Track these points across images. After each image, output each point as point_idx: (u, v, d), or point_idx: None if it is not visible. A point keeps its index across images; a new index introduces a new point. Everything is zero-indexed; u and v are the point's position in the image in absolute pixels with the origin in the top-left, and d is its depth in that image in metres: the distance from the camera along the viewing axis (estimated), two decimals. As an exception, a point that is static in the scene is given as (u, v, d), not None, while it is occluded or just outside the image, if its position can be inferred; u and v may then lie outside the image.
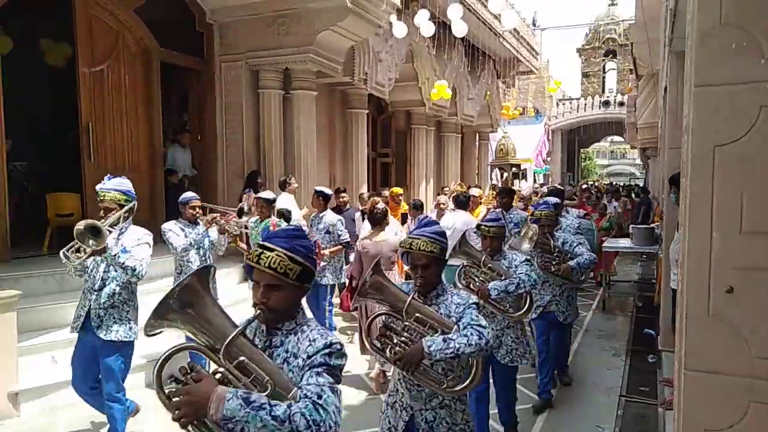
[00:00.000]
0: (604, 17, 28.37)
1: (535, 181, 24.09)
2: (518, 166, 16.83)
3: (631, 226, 8.69)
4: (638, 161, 36.01)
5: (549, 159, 27.94)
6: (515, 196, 7.47)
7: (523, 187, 13.59)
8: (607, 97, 26.48)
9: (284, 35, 7.53)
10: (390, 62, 9.99)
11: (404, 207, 8.17)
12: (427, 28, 8.42)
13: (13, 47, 7.54)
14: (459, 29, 8.40)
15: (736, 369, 1.92)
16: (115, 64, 6.93)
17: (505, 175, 16.43)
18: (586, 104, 27.11)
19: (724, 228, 1.94)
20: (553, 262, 4.44)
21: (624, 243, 8.28)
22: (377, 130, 12.89)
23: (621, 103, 23.95)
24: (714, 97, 1.95)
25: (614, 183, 26.85)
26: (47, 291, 5.23)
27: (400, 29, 8.16)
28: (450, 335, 2.28)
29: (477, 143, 17.27)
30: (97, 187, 3.56)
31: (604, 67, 29.18)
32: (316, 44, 7.46)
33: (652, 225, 8.13)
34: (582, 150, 36.28)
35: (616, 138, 34.34)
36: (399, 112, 13.01)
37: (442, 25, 9.99)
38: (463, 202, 6.59)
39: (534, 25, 18.87)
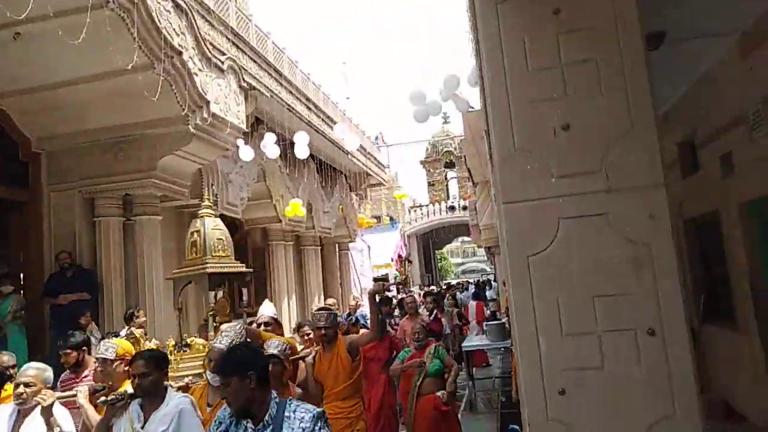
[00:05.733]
0: (440, 133, 31.67)
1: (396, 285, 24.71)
2: (241, 275, 5.26)
3: (485, 323, 9.12)
4: (487, 258, 38.97)
5: (409, 262, 29.14)
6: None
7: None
8: (452, 202, 28.92)
9: (123, 161, 7.21)
10: (241, 182, 9.98)
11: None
12: (273, 151, 8.62)
13: None
14: (301, 152, 8.77)
15: (579, 473, 1.97)
16: None
17: (217, 294, 4.82)
18: (434, 210, 29.27)
19: (548, 331, 2.07)
20: None
21: (481, 340, 8.62)
22: (233, 250, 12.51)
23: (464, 208, 26.18)
24: (520, 212, 2.16)
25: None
26: None
27: (246, 153, 8.25)
28: None
29: (337, 254, 17.52)
30: None
31: (446, 176, 32.08)
32: (159, 169, 7.22)
33: (503, 320, 8.61)
34: (437, 251, 38.52)
35: (466, 238, 37.08)
36: (255, 230, 12.84)
37: (292, 145, 10.37)
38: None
39: (376, 138, 20.40)
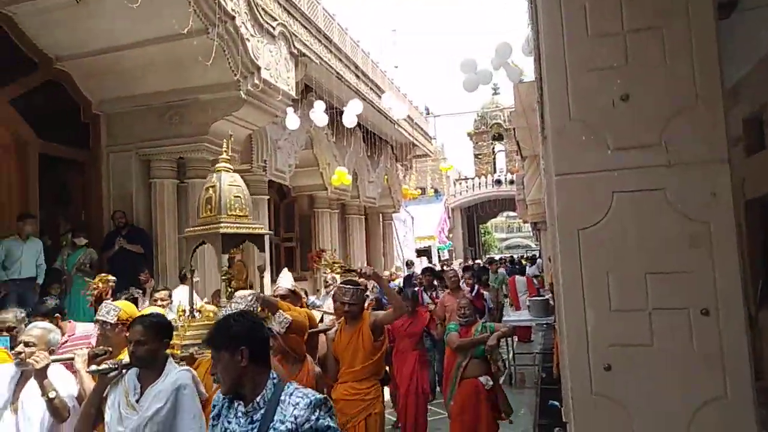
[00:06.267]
0: (489, 105, 30.98)
1: (440, 258, 24.76)
2: (260, 238, 4.40)
3: (528, 298, 9.05)
4: (532, 234, 38.34)
5: (451, 235, 29.02)
6: None
7: None
8: (498, 176, 28.43)
9: (177, 125, 7.42)
10: (289, 149, 10.11)
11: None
12: (321, 119, 8.67)
13: None
14: (350, 120, 8.76)
15: (622, 448, 1.95)
16: (-14, 157, 6.43)
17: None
18: (480, 183, 28.87)
19: (596, 306, 2.04)
20: None
21: (523, 315, 8.58)
22: (280, 215, 12.80)
23: (511, 182, 25.72)
24: (573, 185, 2.10)
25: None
26: None
27: (292, 121, 8.32)
28: None
29: (381, 224, 17.64)
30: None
31: (493, 149, 31.50)
32: (211, 133, 7.40)
33: (547, 297, 8.52)
34: (481, 225, 38.17)
35: (511, 213, 36.56)
36: (302, 197, 13.07)
37: (340, 113, 10.40)
38: None
39: (427, 112, 20.16)
